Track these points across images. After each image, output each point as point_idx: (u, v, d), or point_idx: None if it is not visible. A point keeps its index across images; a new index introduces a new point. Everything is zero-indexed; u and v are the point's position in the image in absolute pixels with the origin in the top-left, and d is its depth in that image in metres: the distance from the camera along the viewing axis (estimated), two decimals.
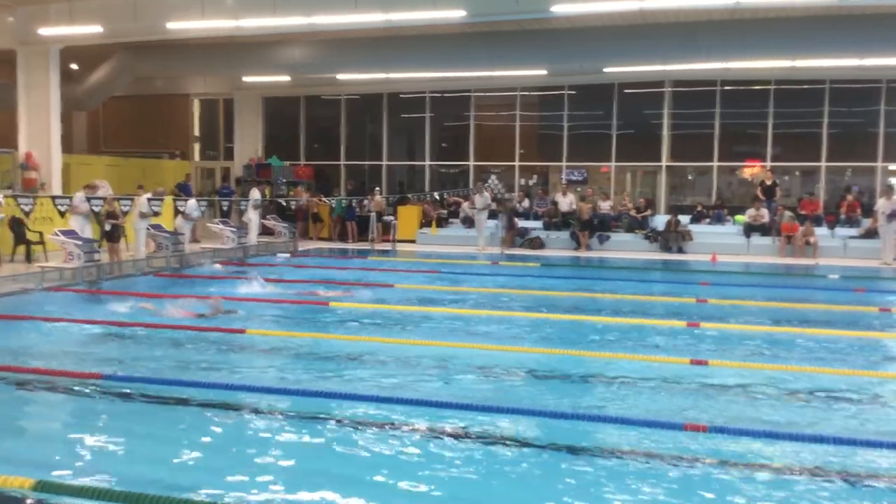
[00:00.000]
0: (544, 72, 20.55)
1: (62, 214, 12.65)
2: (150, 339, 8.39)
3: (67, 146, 19.96)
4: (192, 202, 16.19)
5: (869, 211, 19.42)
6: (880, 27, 15.78)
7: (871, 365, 7.82)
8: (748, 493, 4.49)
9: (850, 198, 19.91)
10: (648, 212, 20.66)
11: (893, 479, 4.75)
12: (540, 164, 23.48)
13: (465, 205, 21.44)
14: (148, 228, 14.85)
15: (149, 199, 14.26)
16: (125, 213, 13.79)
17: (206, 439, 5.36)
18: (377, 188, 22.07)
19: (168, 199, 15.83)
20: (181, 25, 15.36)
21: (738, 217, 20.05)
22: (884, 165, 20.66)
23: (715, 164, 21.61)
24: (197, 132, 26.84)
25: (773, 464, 4.93)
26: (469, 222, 20.95)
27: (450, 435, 5.35)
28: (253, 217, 18.40)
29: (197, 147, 26.83)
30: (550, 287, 12.73)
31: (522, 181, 23.29)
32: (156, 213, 14.53)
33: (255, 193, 19.19)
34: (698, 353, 7.86)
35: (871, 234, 18.50)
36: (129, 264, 14.10)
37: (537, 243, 19.98)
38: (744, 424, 5.58)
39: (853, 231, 19.03)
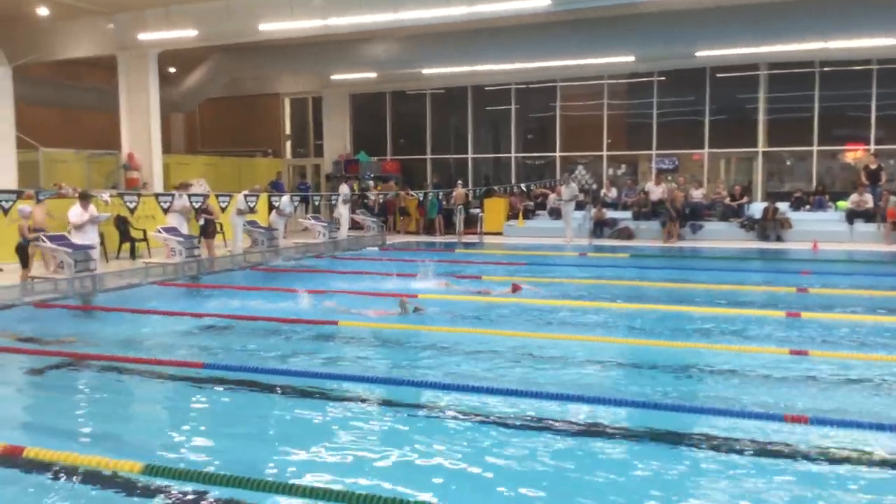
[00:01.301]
0: (632, 58, 20.11)
1: (165, 212, 13.19)
2: (249, 331, 8.65)
3: (166, 147, 20.82)
4: (285, 199, 16.62)
5: None
6: None
7: None
8: (852, 486, 4.32)
9: None
10: (744, 199, 19.98)
11: None
12: (628, 154, 23.07)
13: (552, 196, 21.27)
14: (244, 224, 15.36)
15: (245, 196, 14.71)
16: (223, 210, 14.26)
17: (305, 426, 5.49)
18: (459, 181, 22.11)
19: (263, 196, 16.30)
20: (272, 26, 15.75)
21: (841, 203, 19.18)
22: None
23: (815, 148, 20.75)
24: (288, 130, 27.55)
25: (877, 456, 4.71)
26: (556, 214, 20.77)
27: (547, 426, 5.33)
28: (343, 212, 18.75)
29: (288, 145, 27.54)
30: (642, 278, 12.50)
31: (610, 171, 22.95)
32: (252, 210, 14.98)
33: (344, 189, 19.55)
34: (799, 344, 7.57)
35: None
36: (226, 259, 14.60)
37: (626, 234, 19.64)
38: (846, 416, 5.36)
39: None
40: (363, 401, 6.00)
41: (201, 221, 14.17)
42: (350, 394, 6.16)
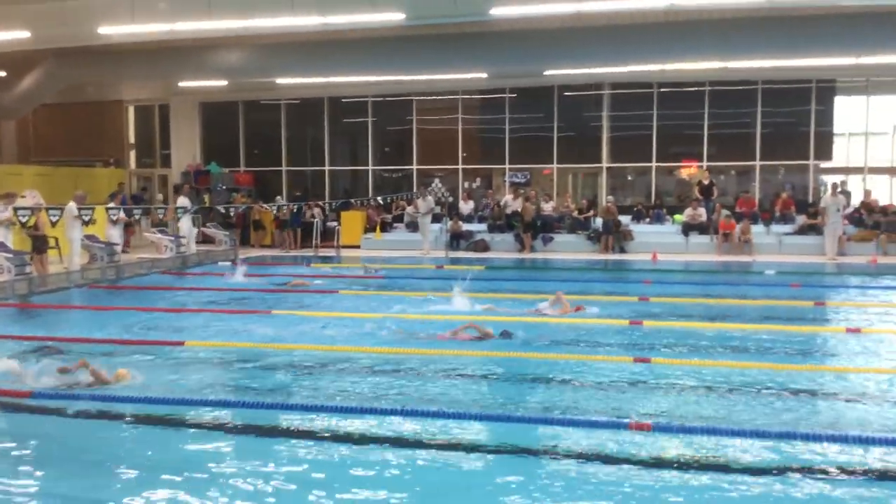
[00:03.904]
0: (485, 75, 20.61)
1: None
2: (85, 355, 8.05)
3: None
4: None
5: (802, 208, 19.98)
6: (808, 28, 16.19)
7: (809, 358, 7.99)
8: (692, 492, 4.49)
9: (784, 196, 20.45)
10: (591, 213, 20.89)
11: (837, 472, 4.79)
12: (483, 167, 23.56)
13: (409, 209, 21.36)
14: (82, 239, 14.38)
15: (80, 209, 13.76)
16: (54, 224, 13.27)
17: (149, 458, 5.13)
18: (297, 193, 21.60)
19: (100, 208, 15.34)
20: (112, 30, 14.95)
21: (677, 216, 20.42)
22: (815, 163, 21.32)
23: (653, 164, 21.98)
24: (132, 139, 26.19)
25: (717, 461, 4.94)
26: (413, 226, 20.87)
27: (395, 441, 5.27)
28: (184, 224, 17.89)
29: (132, 154, 26.18)
30: (495, 289, 12.71)
31: (466, 184, 23.34)
32: (85, 222, 13.97)
33: (181, 200, 18.60)
34: (641, 351, 7.91)
35: (805, 230, 19.03)
36: (62, 276, 13.62)
37: (481, 246, 20.00)
38: (687, 422, 5.61)
39: (787, 228, 19.52)
40: (214, 427, 5.69)
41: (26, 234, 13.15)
42: (200, 419, 5.84)
